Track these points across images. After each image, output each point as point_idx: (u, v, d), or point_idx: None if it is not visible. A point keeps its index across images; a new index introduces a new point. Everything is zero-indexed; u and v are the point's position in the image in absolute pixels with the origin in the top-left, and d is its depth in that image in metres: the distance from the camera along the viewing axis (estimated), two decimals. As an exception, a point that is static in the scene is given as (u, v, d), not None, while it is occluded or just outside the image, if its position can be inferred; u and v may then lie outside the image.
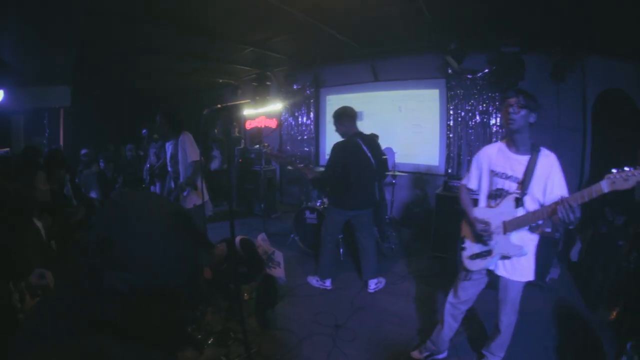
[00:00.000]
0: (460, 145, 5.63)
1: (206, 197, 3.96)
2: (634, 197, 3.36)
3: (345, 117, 3.70)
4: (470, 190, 2.43)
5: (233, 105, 2.19)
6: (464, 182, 2.49)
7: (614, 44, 4.04)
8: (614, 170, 1.65)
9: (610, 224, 3.44)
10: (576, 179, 4.64)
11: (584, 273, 3.77)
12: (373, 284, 3.80)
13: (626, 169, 1.62)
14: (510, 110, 2.06)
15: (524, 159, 2.10)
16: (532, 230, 2.15)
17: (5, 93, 5.10)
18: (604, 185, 1.67)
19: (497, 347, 2.43)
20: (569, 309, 3.02)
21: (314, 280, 3.94)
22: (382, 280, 3.90)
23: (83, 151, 6.17)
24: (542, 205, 2.03)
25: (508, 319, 2.32)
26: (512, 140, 2.16)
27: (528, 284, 2.27)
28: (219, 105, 1.81)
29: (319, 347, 2.84)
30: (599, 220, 3.53)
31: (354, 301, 3.56)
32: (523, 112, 2.03)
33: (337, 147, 3.69)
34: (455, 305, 2.51)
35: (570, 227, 1.83)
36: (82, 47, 4.37)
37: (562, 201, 1.80)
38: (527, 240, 2.15)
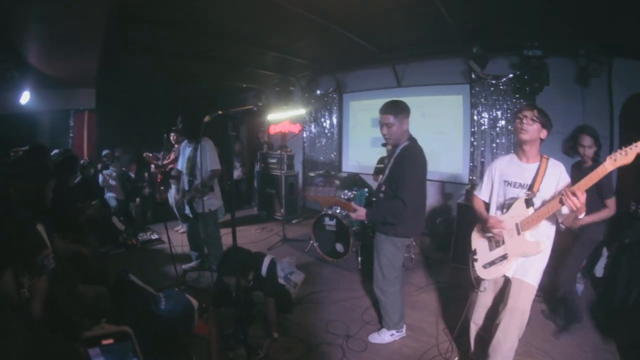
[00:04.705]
0: (484, 153, 5.44)
1: (220, 203, 4.05)
2: None
3: (406, 115, 2.70)
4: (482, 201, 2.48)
5: (245, 112, 2.14)
6: (475, 192, 2.53)
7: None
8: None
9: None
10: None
11: (608, 289, 3.55)
12: None
13: None
14: (524, 121, 2.11)
15: (533, 167, 2.17)
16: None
17: (31, 94, 5.29)
18: (607, 164, 1.73)
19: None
20: (591, 327, 2.84)
21: (387, 336, 2.98)
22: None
23: (104, 152, 6.45)
24: None
25: (515, 330, 2.10)
26: (522, 151, 2.21)
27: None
28: (219, 112, 1.81)
29: (328, 356, 2.81)
30: (627, 234, 3.31)
31: (368, 311, 3.49)
32: (536, 126, 2.10)
33: (412, 157, 2.64)
34: (478, 325, 2.50)
35: (580, 217, 1.87)
36: (107, 52, 4.48)
37: (566, 189, 1.85)
38: (542, 237, 2.13)
